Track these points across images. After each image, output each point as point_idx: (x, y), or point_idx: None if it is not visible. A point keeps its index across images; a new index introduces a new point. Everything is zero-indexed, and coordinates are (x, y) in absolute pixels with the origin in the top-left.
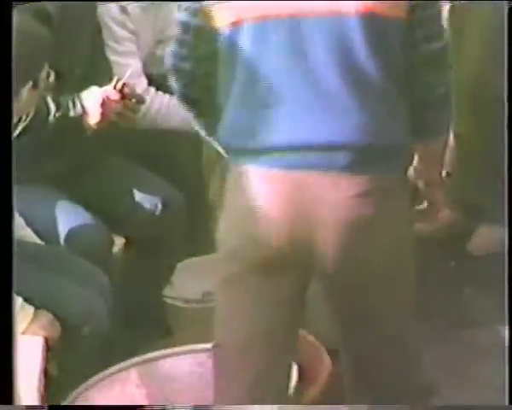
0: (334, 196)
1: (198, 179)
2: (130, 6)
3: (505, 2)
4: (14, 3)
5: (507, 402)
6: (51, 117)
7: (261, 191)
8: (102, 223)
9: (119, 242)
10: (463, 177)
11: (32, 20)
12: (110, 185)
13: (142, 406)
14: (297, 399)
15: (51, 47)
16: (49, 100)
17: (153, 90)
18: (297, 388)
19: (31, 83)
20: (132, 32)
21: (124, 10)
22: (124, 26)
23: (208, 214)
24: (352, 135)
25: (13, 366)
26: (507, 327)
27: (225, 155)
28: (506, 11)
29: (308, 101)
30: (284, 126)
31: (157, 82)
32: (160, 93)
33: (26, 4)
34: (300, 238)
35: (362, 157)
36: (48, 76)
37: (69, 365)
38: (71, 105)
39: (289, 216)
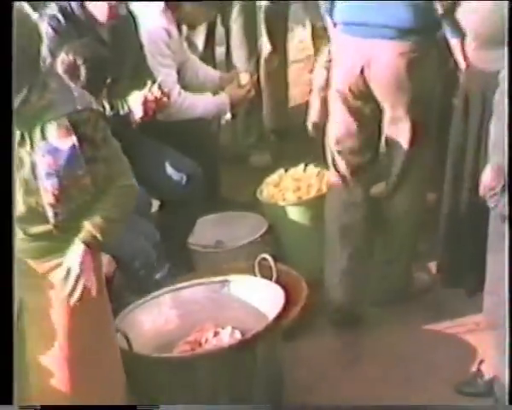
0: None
1: (213, 158)
2: (173, 31)
3: (505, 3)
4: (13, 3)
5: (507, 402)
6: (107, 114)
7: None
8: (144, 189)
9: (155, 203)
10: None
11: (98, 45)
12: (149, 162)
13: (136, 405)
14: (283, 316)
15: (109, 63)
16: (105, 102)
17: (182, 91)
18: (283, 309)
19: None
20: (173, 52)
21: (169, 35)
22: (168, 46)
23: (219, 184)
24: None
25: (13, 366)
26: (507, 327)
27: None
28: (506, 11)
29: None
30: None
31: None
32: (188, 93)
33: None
34: None
35: None
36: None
37: (121, 292)
38: (120, 106)
39: None
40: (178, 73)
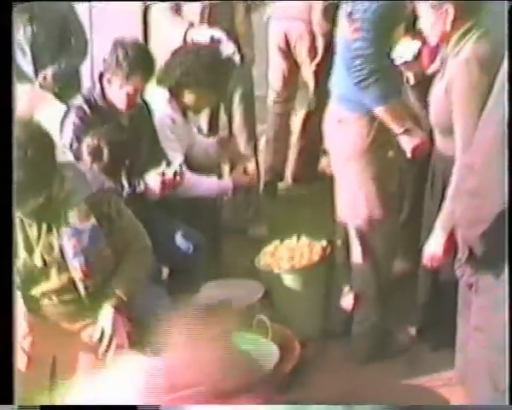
0: None
1: (215, 231)
2: (177, 118)
3: (505, 3)
4: (13, 3)
5: (507, 402)
6: (125, 191)
7: None
8: (155, 258)
9: (165, 271)
10: None
11: (118, 131)
12: (160, 234)
13: (135, 406)
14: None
15: (128, 146)
16: (124, 180)
17: (188, 173)
18: (277, 364)
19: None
20: (178, 136)
21: (173, 121)
22: (173, 132)
23: (221, 254)
24: None
25: (13, 366)
26: (507, 326)
27: None
28: (506, 11)
29: None
30: None
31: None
32: (194, 175)
33: (111, 121)
34: None
35: None
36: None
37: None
38: (137, 184)
39: None
40: (186, 154)
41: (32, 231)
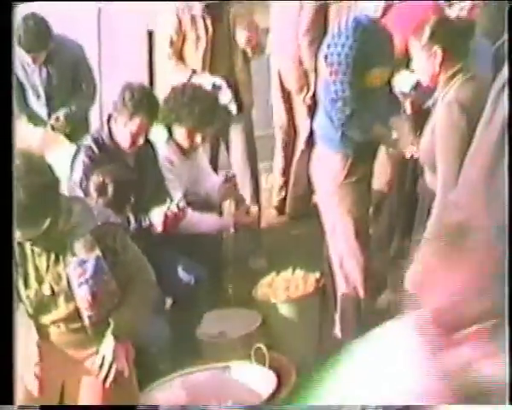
0: None
1: (216, 265)
2: (175, 160)
3: (506, 3)
4: (13, 3)
5: (507, 402)
6: (131, 226)
7: None
8: (159, 289)
9: (169, 301)
10: None
11: (124, 169)
12: (164, 266)
13: (134, 406)
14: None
15: (133, 184)
16: (131, 215)
17: (189, 210)
18: (274, 390)
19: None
20: (177, 176)
21: (170, 162)
22: (171, 172)
23: (221, 285)
24: None
25: (13, 366)
26: (507, 327)
27: None
28: (506, 11)
29: None
30: None
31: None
32: (195, 213)
33: (117, 160)
34: None
35: None
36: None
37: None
38: (143, 219)
39: None
40: (188, 191)
41: (42, 262)
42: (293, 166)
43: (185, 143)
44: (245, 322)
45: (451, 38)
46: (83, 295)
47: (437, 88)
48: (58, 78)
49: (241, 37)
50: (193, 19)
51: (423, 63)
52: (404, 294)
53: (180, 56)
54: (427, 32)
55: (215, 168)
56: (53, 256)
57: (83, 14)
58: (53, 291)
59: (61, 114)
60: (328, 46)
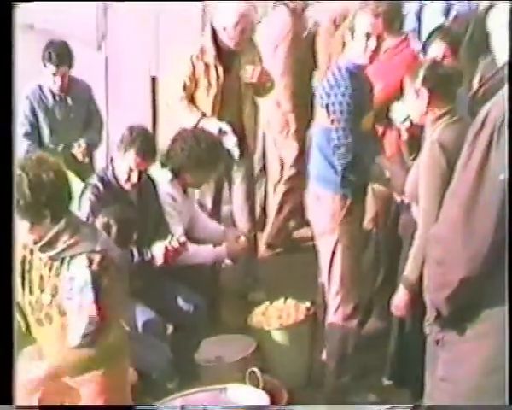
0: None
1: (214, 293)
2: (177, 196)
3: (506, 3)
4: (13, 3)
5: (507, 402)
6: (135, 259)
7: None
8: (160, 317)
9: (170, 328)
10: None
11: (127, 208)
12: (165, 296)
13: (133, 405)
14: None
15: (135, 222)
16: (134, 249)
17: (188, 243)
18: None
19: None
20: (178, 212)
21: (174, 199)
22: (174, 208)
23: (219, 313)
24: None
25: (13, 366)
26: (507, 327)
27: None
28: (507, 11)
29: None
30: None
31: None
32: (192, 244)
33: (121, 197)
34: None
35: None
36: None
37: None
38: (145, 253)
39: None
40: (188, 227)
41: (46, 271)
42: (270, 202)
43: (189, 184)
44: (240, 347)
45: (441, 83)
46: (69, 309)
47: (425, 126)
48: (74, 111)
49: (248, 72)
50: (206, 66)
51: (413, 102)
52: (389, 321)
53: (191, 100)
54: (420, 74)
55: (217, 208)
56: (55, 267)
57: (91, 59)
58: (51, 302)
59: (82, 141)
60: (328, 95)
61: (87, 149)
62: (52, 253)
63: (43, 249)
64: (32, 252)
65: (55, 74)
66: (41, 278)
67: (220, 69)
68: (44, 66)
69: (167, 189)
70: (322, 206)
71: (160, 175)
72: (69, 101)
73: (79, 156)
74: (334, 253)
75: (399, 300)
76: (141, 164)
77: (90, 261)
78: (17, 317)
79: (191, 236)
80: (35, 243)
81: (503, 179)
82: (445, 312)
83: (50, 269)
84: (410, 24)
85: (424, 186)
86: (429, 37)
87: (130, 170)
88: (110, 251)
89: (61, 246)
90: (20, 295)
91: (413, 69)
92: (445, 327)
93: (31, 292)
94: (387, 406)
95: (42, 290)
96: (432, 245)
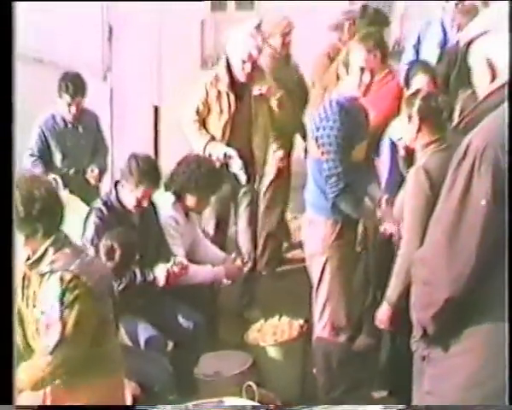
0: None
1: (213, 311)
2: (180, 219)
3: (506, 3)
4: (13, 3)
5: (507, 402)
6: (137, 280)
7: None
8: (161, 334)
9: (170, 344)
10: None
11: (130, 231)
12: (166, 314)
13: (132, 406)
14: None
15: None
16: (137, 270)
17: (189, 264)
18: None
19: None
20: (181, 235)
21: (177, 222)
22: (176, 230)
23: (217, 330)
24: None
25: (13, 366)
26: (507, 327)
27: None
28: (507, 11)
29: None
30: None
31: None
32: (192, 264)
33: (124, 220)
34: None
35: None
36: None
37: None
38: (147, 274)
39: None
40: (189, 249)
41: (36, 287)
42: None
43: (191, 208)
44: (237, 363)
45: (432, 114)
46: (41, 323)
47: (415, 151)
48: (84, 138)
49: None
50: (219, 93)
51: (406, 126)
52: (378, 337)
53: (203, 123)
54: (415, 102)
55: (223, 227)
56: (42, 282)
57: (97, 89)
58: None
59: (94, 166)
60: (318, 129)
61: (99, 175)
62: (39, 268)
63: (33, 265)
64: (30, 268)
65: (70, 104)
66: (34, 293)
67: (232, 97)
68: (60, 96)
69: (170, 212)
70: (315, 229)
71: (163, 198)
72: (80, 129)
73: (92, 181)
74: (322, 272)
75: (382, 314)
76: (148, 193)
77: (62, 280)
78: (18, 330)
79: (192, 258)
80: (28, 258)
81: (485, 205)
82: (430, 330)
83: (40, 284)
84: (407, 57)
85: (408, 209)
86: (412, 69)
87: (142, 199)
88: (84, 274)
89: (46, 262)
90: (22, 309)
91: (409, 97)
92: (430, 344)
93: (27, 306)
94: (382, 406)
95: (34, 305)
96: (418, 267)
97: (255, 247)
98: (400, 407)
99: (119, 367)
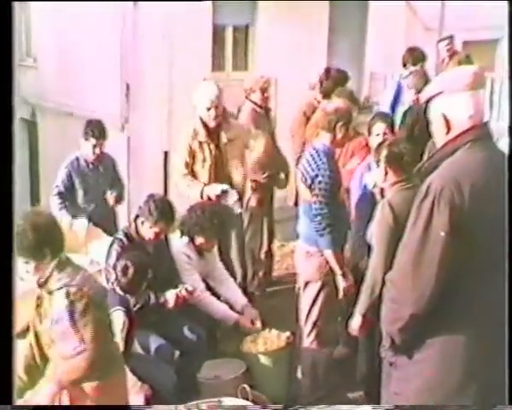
0: None
1: (212, 327)
2: (192, 255)
3: (506, 2)
4: (13, 3)
5: (507, 402)
6: (151, 302)
7: None
8: (169, 344)
9: (177, 353)
10: None
11: (144, 256)
12: (173, 328)
13: (130, 405)
14: None
15: (150, 266)
16: (151, 293)
17: (206, 291)
18: None
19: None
20: (194, 267)
21: (189, 257)
22: (189, 264)
23: (216, 342)
24: None
25: (12, 366)
26: (507, 327)
27: None
28: (507, 10)
29: None
30: None
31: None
32: (212, 296)
33: (139, 248)
34: None
35: None
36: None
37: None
38: (160, 297)
39: None
40: (205, 277)
41: (47, 304)
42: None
43: (203, 247)
44: (234, 368)
45: (396, 159)
46: (54, 334)
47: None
48: (103, 176)
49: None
50: (200, 144)
51: (375, 170)
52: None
53: (192, 174)
54: (382, 151)
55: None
56: (50, 299)
57: (116, 138)
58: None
59: (113, 191)
60: (312, 178)
61: (116, 198)
62: (48, 287)
63: (43, 285)
64: (41, 287)
65: (95, 145)
66: (45, 309)
67: (212, 145)
68: (86, 139)
69: (183, 248)
70: (310, 259)
71: (177, 236)
72: (100, 168)
73: (111, 202)
74: (317, 296)
75: (354, 323)
76: (164, 230)
77: (68, 293)
78: (34, 343)
79: (210, 286)
80: (39, 279)
81: (443, 236)
82: (397, 340)
83: (50, 301)
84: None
85: (375, 236)
86: (373, 119)
87: (160, 233)
88: (86, 286)
89: (53, 281)
90: (37, 326)
91: (378, 147)
92: (397, 352)
93: (41, 322)
94: (371, 406)
95: (46, 319)
96: (387, 287)
97: (245, 271)
98: (388, 406)
99: (122, 367)
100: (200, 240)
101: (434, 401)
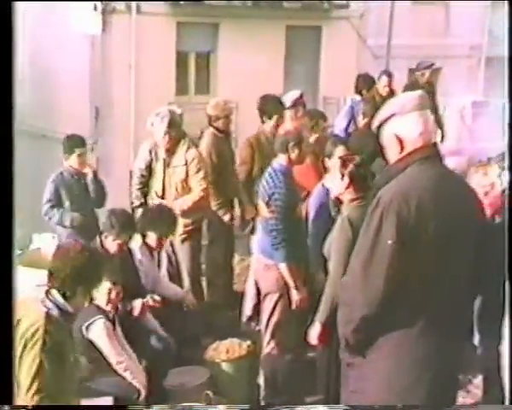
0: None
1: (177, 337)
2: (144, 260)
3: (505, 2)
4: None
5: (507, 402)
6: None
7: None
8: (137, 353)
9: (143, 362)
10: None
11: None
12: (141, 337)
13: (128, 405)
14: None
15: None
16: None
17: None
18: None
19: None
20: (145, 273)
21: (141, 263)
22: (143, 271)
23: (181, 352)
24: None
25: (13, 366)
26: (507, 327)
27: None
28: (507, 10)
29: None
30: None
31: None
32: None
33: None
34: None
35: None
36: None
37: None
38: (128, 305)
39: None
40: (152, 286)
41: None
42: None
43: (153, 246)
44: (198, 376)
45: (359, 178)
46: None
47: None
48: (87, 186)
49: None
50: (155, 155)
51: (337, 181)
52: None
53: (148, 186)
54: (350, 167)
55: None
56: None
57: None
58: None
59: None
60: (269, 195)
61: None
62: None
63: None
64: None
65: (80, 155)
66: None
67: (167, 158)
68: (70, 153)
69: (138, 255)
70: (269, 272)
71: (134, 242)
72: (84, 178)
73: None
74: (275, 307)
75: (314, 332)
76: (127, 241)
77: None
78: None
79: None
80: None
81: (391, 244)
82: (351, 341)
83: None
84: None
85: (334, 248)
86: (331, 142)
87: (122, 244)
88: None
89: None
90: None
91: (346, 161)
92: (352, 353)
93: None
94: (327, 406)
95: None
96: (340, 291)
97: (198, 282)
98: (344, 407)
99: None
100: (151, 237)
101: (392, 397)
